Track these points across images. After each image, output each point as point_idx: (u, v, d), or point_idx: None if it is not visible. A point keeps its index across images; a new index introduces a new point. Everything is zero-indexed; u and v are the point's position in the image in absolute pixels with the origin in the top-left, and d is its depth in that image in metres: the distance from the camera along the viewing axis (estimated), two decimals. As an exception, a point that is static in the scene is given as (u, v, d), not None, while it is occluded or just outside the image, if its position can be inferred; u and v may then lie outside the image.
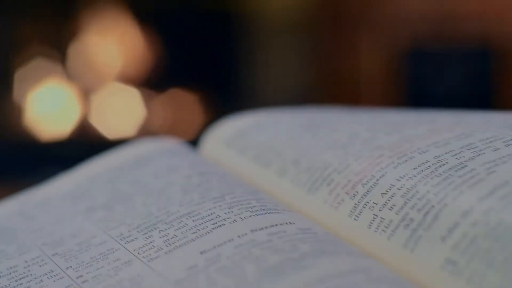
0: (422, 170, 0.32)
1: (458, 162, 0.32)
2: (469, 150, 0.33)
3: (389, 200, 0.32)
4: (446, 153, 0.33)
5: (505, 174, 0.30)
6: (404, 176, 0.32)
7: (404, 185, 0.32)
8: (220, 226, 0.32)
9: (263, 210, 0.33)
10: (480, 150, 0.32)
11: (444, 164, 0.32)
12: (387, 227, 0.31)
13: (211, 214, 0.33)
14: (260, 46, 1.70)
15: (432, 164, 0.32)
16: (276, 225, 0.32)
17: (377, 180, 0.33)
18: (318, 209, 0.34)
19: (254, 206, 0.34)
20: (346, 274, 0.28)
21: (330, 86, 1.74)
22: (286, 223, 0.32)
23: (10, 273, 0.33)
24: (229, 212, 0.33)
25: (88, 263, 0.32)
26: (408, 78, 1.66)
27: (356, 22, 1.70)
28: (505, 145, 0.32)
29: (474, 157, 0.32)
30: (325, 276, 0.27)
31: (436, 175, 0.31)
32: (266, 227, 0.31)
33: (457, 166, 0.32)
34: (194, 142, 0.47)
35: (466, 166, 0.31)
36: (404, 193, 0.31)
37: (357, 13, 1.70)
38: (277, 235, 0.31)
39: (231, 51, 1.73)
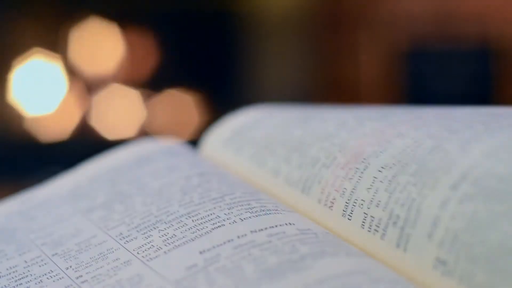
0: (401, 157, 0.32)
1: (434, 143, 0.32)
2: (447, 130, 0.32)
3: (374, 196, 0.32)
4: (424, 136, 0.33)
5: (476, 152, 0.30)
6: (385, 166, 0.32)
7: (386, 176, 0.32)
8: (219, 226, 0.32)
9: (263, 211, 0.33)
10: (457, 130, 0.32)
11: (420, 146, 0.32)
12: (378, 226, 0.31)
13: (211, 214, 0.33)
14: (260, 46, 1.70)
15: (410, 150, 0.32)
16: (276, 226, 0.32)
17: (362, 173, 0.33)
18: (314, 210, 0.34)
19: (254, 207, 0.34)
20: (345, 275, 0.28)
21: (330, 86, 1.74)
22: (286, 224, 0.32)
23: (10, 273, 0.33)
24: (229, 213, 0.33)
25: (87, 263, 0.32)
26: (408, 78, 1.66)
27: (356, 22, 1.70)
28: (482, 124, 0.32)
29: (450, 136, 0.32)
30: (325, 277, 0.27)
31: (413, 162, 0.31)
32: (266, 228, 0.31)
33: (433, 148, 0.31)
34: (194, 142, 0.48)
35: (441, 147, 0.31)
36: (387, 186, 0.31)
37: (357, 13, 1.70)
38: (276, 236, 0.31)
39: (231, 51, 1.73)
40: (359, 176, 0.33)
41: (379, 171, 0.32)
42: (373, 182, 0.32)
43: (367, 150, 0.34)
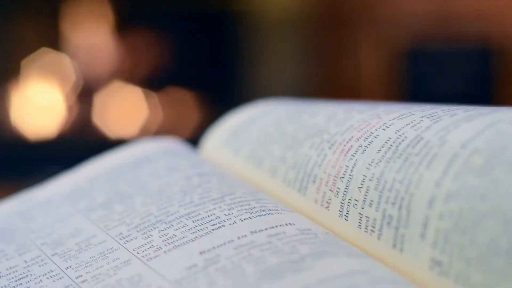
0: (385, 152, 0.32)
1: (416, 134, 0.32)
2: (429, 118, 0.32)
3: (366, 195, 0.32)
4: (406, 125, 0.33)
5: (455, 143, 0.29)
6: (371, 162, 0.32)
7: (374, 174, 0.32)
8: (220, 227, 0.32)
9: (263, 211, 0.33)
10: (439, 117, 0.32)
11: (403, 140, 0.32)
12: (374, 227, 0.31)
13: (211, 215, 0.33)
14: (260, 46, 1.70)
15: (393, 142, 0.32)
16: (276, 226, 0.32)
17: (351, 171, 0.33)
18: (312, 211, 0.34)
19: (254, 207, 0.34)
20: (345, 276, 0.28)
21: (330, 86, 1.74)
22: (286, 224, 0.32)
23: (10, 273, 0.33)
24: (229, 213, 0.33)
25: (87, 263, 0.32)
26: (408, 78, 1.66)
27: (356, 22, 1.70)
28: (463, 111, 0.32)
29: (431, 125, 0.32)
30: (325, 277, 0.27)
31: (397, 156, 0.31)
32: (266, 229, 0.31)
33: (414, 140, 0.31)
34: (194, 142, 0.48)
35: (422, 138, 0.31)
36: (376, 184, 0.31)
37: (357, 13, 1.70)
38: (276, 237, 0.31)
39: (232, 50, 1.73)
40: (350, 175, 0.33)
41: (367, 168, 0.32)
42: (363, 181, 0.32)
43: (354, 146, 0.34)
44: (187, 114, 1.68)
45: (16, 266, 0.34)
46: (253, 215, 0.33)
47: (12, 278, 0.33)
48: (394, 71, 1.67)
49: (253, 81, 1.71)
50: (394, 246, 0.30)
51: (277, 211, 0.33)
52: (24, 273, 0.33)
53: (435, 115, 0.32)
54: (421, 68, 1.64)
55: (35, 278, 0.33)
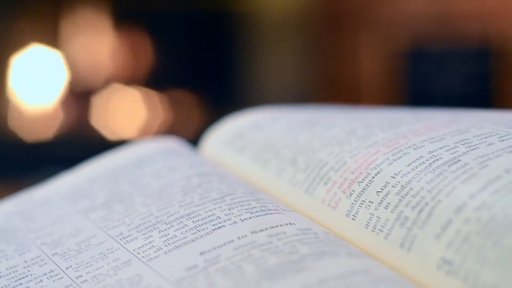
0: (416, 166, 0.32)
1: (452, 156, 0.32)
2: (464, 145, 0.33)
3: (384, 198, 0.32)
4: (440, 148, 0.33)
5: (497, 168, 0.30)
6: (398, 173, 0.32)
7: (398, 182, 0.32)
8: (220, 227, 0.32)
9: (263, 211, 0.33)
10: (475, 145, 0.33)
11: (438, 160, 0.32)
12: (383, 226, 0.31)
13: (211, 215, 0.33)
14: (260, 47, 1.70)
15: (426, 160, 0.32)
16: (276, 226, 0.32)
17: (373, 177, 0.33)
18: (316, 210, 0.34)
19: (254, 207, 0.34)
20: (345, 276, 0.28)
21: (330, 86, 1.74)
22: (286, 224, 0.32)
23: (10, 273, 0.33)
24: (229, 214, 0.33)
25: (87, 263, 0.32)
26: (408, 78, 1.66)
27: (356, 22, 1.70)
28: (499, 140, 0.33)
29: (468, 151, 0.32)
30: (325, 277, 0.27)
31: (430, 171, 0.32)
32: (266, 229, 0.31)
33: (450, 161, 0.32)
34: (194, 142, 0.48)
35: (459, 160, 0.31)
36: (399, 190, 0.31)
37: (357, 13, 1.70)
38: (276, 237, 0.31)
39: (231, 51, 1.73)
40: (370, 180, 0.33)
41: (392, 177, 0.32)
42: (384, 186, 0.32)
43: (380, 158, 0.34)
44: (187, 115, 1.68)
45: (16, 266, 0.34)
46: (253, 215, 0.33)
47: (12, 278, 0.33)
48: (394, 71, 1.67)
49: (253, 82, 1.71)
50: (402, 245, 0.30)
51: (277, 211, 0.33)
52: (24, 273, 0.33)
53: (469, 142, 0.33)
54: (421, 68, 1.64)
55: (35, 278, 0.33)
